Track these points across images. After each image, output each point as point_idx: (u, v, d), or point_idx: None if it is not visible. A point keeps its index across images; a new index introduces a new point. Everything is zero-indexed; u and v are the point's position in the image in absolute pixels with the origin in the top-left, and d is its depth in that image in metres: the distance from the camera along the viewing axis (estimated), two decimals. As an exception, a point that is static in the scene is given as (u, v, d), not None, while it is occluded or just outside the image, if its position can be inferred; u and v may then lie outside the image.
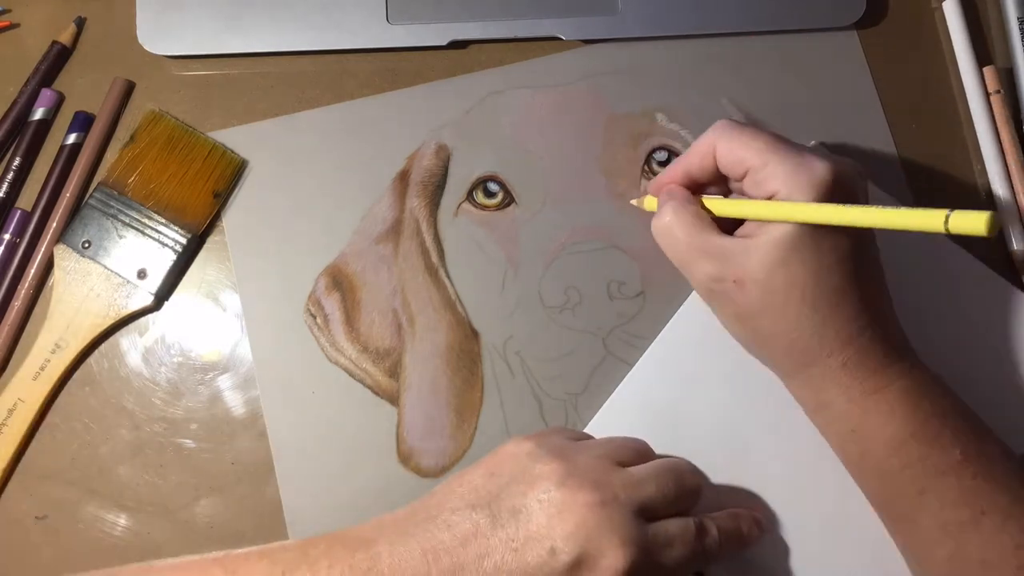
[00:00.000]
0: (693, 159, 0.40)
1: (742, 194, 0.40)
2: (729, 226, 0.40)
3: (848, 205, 0.35)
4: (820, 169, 0.36)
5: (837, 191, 0.36)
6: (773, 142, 0.37)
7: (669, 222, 0.39)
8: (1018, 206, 0.46)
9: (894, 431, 0.37)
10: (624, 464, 0.38)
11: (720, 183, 0.41)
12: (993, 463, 0.37)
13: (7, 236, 0.46)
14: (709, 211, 0.40)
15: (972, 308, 0.45)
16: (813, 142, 0.46)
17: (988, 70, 0.48)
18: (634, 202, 0.46)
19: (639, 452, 0.41)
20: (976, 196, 0.47)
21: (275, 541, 0.43)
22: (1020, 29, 0.48)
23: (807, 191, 0.36)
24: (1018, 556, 0.35)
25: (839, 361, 0.37)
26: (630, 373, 0.45)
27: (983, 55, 0.49)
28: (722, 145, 0.39)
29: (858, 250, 0.37)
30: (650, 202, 0.44)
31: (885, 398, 0.37)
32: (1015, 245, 0.46)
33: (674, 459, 0.41)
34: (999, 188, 0.47)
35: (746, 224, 0.39)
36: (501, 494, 0.37)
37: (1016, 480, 0.37)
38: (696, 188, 0.41)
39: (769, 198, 0.37)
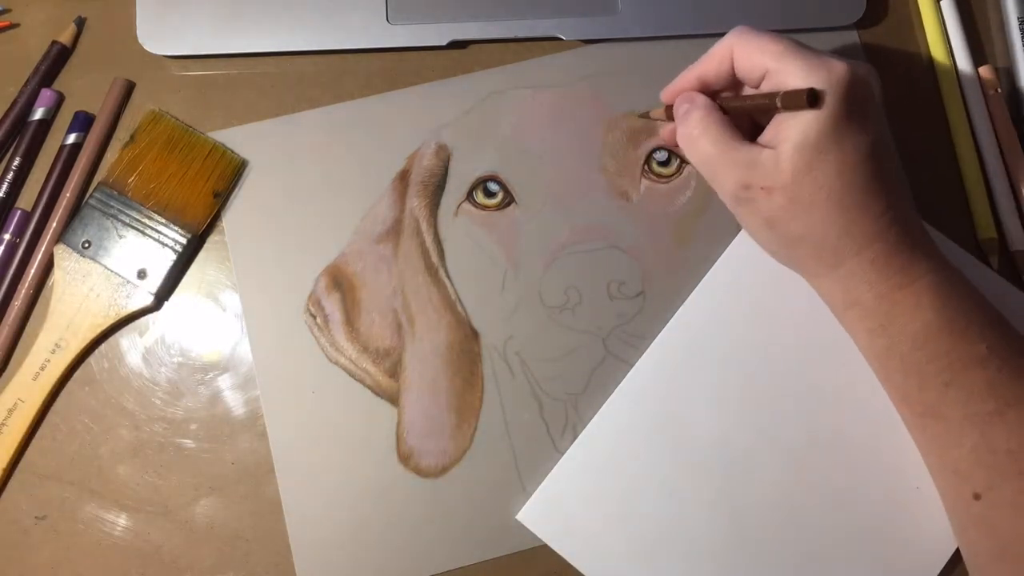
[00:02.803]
0: (709, 65, 0.41)
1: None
2: (746, 133, 0.40)
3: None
4: (839, 68, 0.37)
5: (854, 90, 0.37)
6: (792, 45, 0.38)
7: (698, 133, 0.40)
8: (1018, 205, 0.46)
9: (921, 325, 0.38)
10: None
11: (733, 89, 0.42)
12: (1018, 357, 0.38)
13: (7, 236, 0.46)
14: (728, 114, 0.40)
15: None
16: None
17: (984, 69, 0.48)
18: (652, 113, 0.46)
19: None
20: (978, 195, 0.47)
21: (275, 542, 0.44)
22: (1020, 29, 0.48)
23: (826, 89, 0.36)
24: None
25: (867, 258, 0.38)
26: (630, 373, 0.45)
27: (983, 55, 0.49)
28: (740, 49, 0.39)
29: (878, 149, 0.38)
30: (657, 111, 0.44)
31: (912, 292, 0.38)
32: (1015, 245, 0.46)
33: None
34: (999, 186, 0.47)
35: (766, 132, 0.39)
36: None
37: None
38: (709, 95, 0.42)
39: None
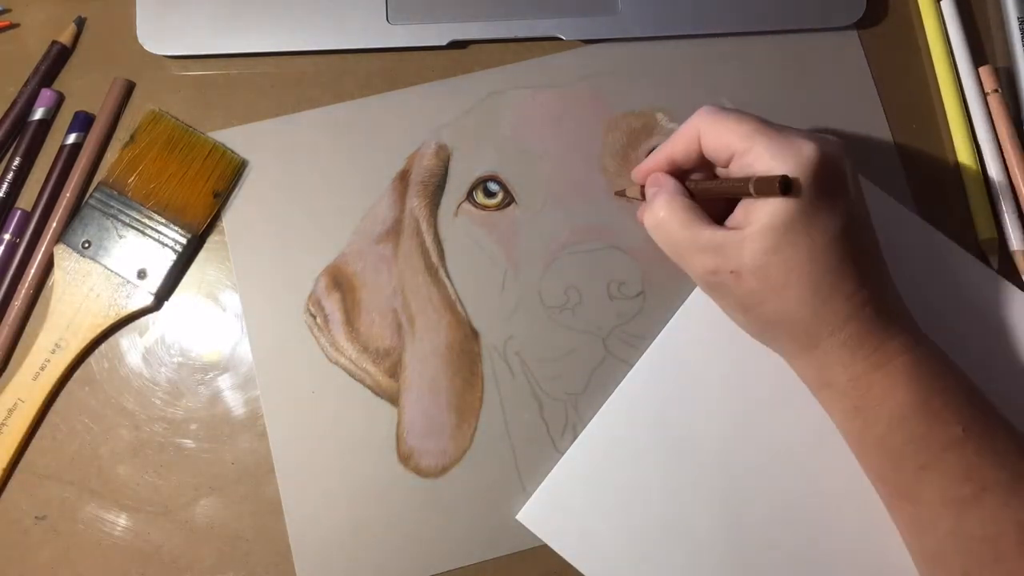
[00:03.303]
0: (677, 146, 0.40)
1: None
2: (717, 213, 0.40)
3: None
4: (807, 149, 0.36)
5: (824, 170, 0.36)
6: (758, 125, 0.37)
7: (663, 217, 0.39)
8: (1018, 205, 0.46)
9: (895, 406, 0.37)
10: None
11: (704, 169, 0.41)
12: (995, 439, 0.37)
13: (7, 236, 0.46)
14: (695, 197, 0.40)
15: (972, 308, 0.45)
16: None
17: (984, 70, 0.48)
18: (624, 192, 0.46)
19: None
20: (978, 195, 0.47)
21: (275, 542, 0.44)
22: (1020, 29, 0.48)
23: (794, 172, 0.36)
24: (1019, 532, 0.35)
25: (840, 340, 0.37)
26: (630, 373, 0.45)
27: (983, 55, 0.49)
28: (707, 130, 0.39)
29: (850, 228, 0.37)
30: (633, 189, 0.44)
31: (887, 373, 0.37)
32: (1015, 245, 0.46)
33: None
34: (999, 186, 0.47)
35: (735, 213, 0.39)
36: None
37: (1017, 456, 0.37)
38: (679, 175, 0.41)
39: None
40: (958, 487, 0.36)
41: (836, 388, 0.39)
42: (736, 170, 0.38)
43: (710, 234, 0.38)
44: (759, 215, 0.36)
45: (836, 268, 0.37)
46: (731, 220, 0.39)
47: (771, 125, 0.38)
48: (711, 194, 0.40)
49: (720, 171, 0.41)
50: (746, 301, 0.38)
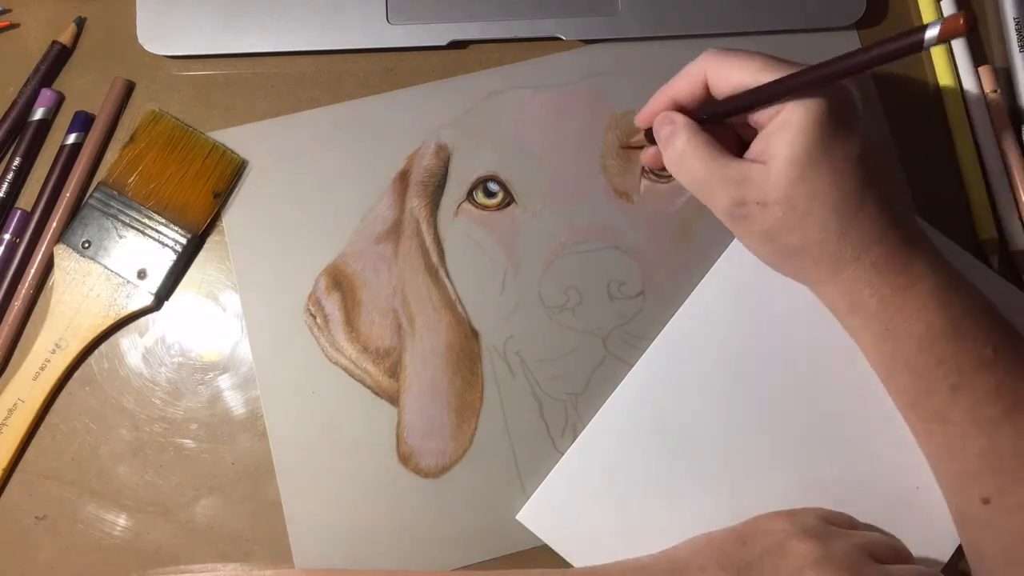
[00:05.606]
0: (681, 87, 0.40)
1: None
2: (730, 147, 0.40)
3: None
4: None
5: (838, 96, 0.37)
6: (766, 60, 0.38)
7: (686, 153, 0.39)
8: (1018, 205, 0.46)
9: (926, 328, 0.38)
10: (879, 560, 0.38)
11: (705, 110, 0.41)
12: (1022, 359, 0.38)
13: (7, 236, 0.46)
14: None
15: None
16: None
17: (984, 69, 0.48)
18: (632, 140, 0.46)
19: (895, 550, 0.40)
20: (978, 195, 0.47)
21: (275, 542, 0.44)
22: (1016, 29, 0.48)
23: (810, 103, 0.36)
24: None
25: (868, 262, 0.38)
26: (630, 373, 0.45)
27: (983, 55, 0.49)
28: (715, 71, 0.39)
29: (867, 152, 0.38)
30: (638, 138, 0.45)
31: (916, 295, 0.38)
32: (1015, 245, 0.46)
33: (932, 570, 0.40)
34: (999, 186, 0.47)
35: (752, 147, 0.39)
36: (752, 563, 0.37)
37: None
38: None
39: (775, 115, 0.37)
40: (989, 406, 0.37)
41: (865, 312, 0.39)
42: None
43: (735, 166, 0.38)
44: (780, 145, 0.37)
45: (858, 192, 0.37)
46: (749, 154, 0.39)
47: (778, 59, 0.38)
48: (746, 104, 0.38)
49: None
50: (772, 231, 0.38)
